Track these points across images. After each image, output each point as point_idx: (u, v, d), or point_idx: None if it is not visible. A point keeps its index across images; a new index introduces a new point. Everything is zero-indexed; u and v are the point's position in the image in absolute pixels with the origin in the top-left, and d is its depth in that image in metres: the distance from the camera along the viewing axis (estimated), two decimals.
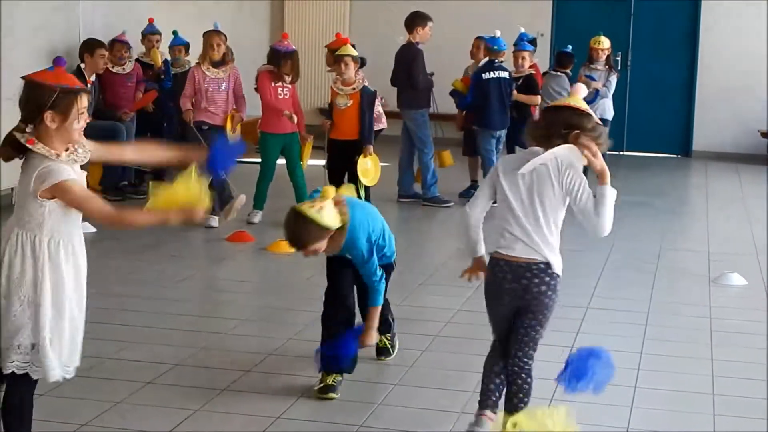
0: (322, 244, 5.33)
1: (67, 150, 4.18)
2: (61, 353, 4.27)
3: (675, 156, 16.06)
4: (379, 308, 5.60)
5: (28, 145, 4.12)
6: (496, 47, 11.19)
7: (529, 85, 11.61)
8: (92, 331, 6.44)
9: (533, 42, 12.46)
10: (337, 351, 5.51)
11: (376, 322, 5.59)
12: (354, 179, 9.95)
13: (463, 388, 5.65)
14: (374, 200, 10.73)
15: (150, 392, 5.48)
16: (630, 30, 16.23)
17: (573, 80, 12.21)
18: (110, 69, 11.46)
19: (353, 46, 10.58)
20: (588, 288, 7.82)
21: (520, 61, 11.68)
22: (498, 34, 11.39)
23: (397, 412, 5.36)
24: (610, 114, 12.24)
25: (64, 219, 4.23)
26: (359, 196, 10.01)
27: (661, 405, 5.52)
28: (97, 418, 5.10)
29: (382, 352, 6.11)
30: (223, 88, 9.99)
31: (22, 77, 4.24)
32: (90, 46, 11.01)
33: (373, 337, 5.61)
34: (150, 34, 12.09)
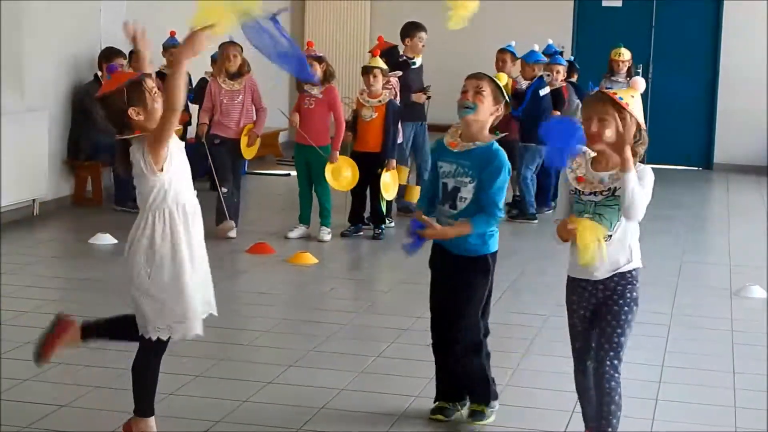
0: (488, 103, 5.15)
1: None
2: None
3: (696, 169, 16.02)
4: (468, 228, 5.09)
5: (136, 135, 4.52)
6: (538, 60, 11.20)
7: (558, 98, 11.60)
8: (114, 343, 6.49)
9: (561, 55, 12.46)
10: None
11: (454, 231, 5.14)
12: (375, 193, 9.95)
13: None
14: (396, 215, 10.76)
15: (171, 403, 5.50)
16: (651, 41, 16.22)
17: (582, 91, 12.23)
18: None
19: (395, 48, 10.58)
20: None
21: (554, 74, 11.64)
22: (514, 44, 11.39)
23: (417, 423, 5.37)
24: None
25: (179, 185, 4.64)
26: (382, 211, 10.08)
27: (683, 418, 5.51)
28: (118, 429, 5.11)
29: (475, 414, 5.42)
30: (238, 100, 9.83)
31: (96, 97, 4.68)
32: (108, 54, 11.04)
33: (439, 235, 5.17)
34: (172, 47, 12.12)
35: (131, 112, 4.50)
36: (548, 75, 11.59)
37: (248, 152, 9.95)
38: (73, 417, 5.27)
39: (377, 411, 5.52)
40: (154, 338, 4.78)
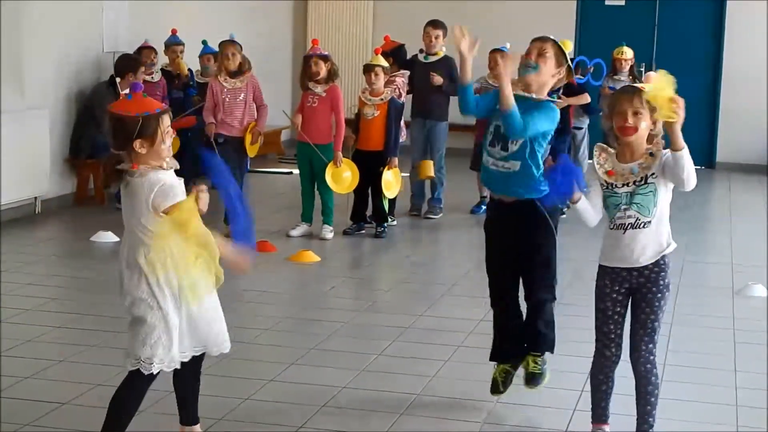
0: (551, 65, 5.31)
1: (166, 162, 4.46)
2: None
3: (698, 167, 15.95)
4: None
5: (133, 169, 4.38)
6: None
7: (571, 90, 11.59)
8: (116, 341, 6.50)
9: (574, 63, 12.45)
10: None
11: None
12: (377, 192, 9.95)
13: (485, 399, 5.65)
14: (398, 213, 10.76)
15: (172, 402, 5.49)
16: (654, 41, 16.21)
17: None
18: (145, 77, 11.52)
19: (402, 46, 10.60)
20: None
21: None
22: (509, 46, 11.37)
23: (419, 421, 5.37)
24: None
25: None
26: (384, 210, 10.08)
27: (685, 416, 5.50)
28: None
29: (532, 378, 5.56)
30: (240, 98, 9.82)
31: (107, 111, 4.50)
32: (134, 65, 10.91)
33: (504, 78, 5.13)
34: (174, 44, 12.14)
35: (137, 143, 4.38)
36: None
37: (252, 150, 9.94)
38: (73, 415, 5.27)
39: (378, 409, 5.52)
40: (146, 372, 4.62)
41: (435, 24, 11.06)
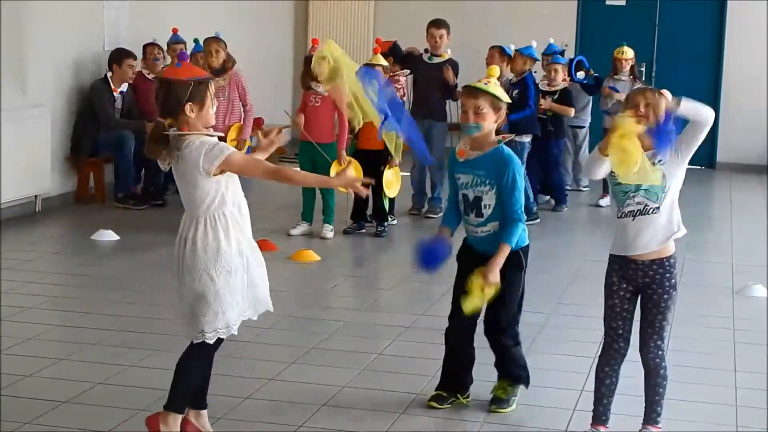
0: (490, 117, 5.32)
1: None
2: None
3: (699, 167, 16.01)
4: (509, 248, 5.28)
5: (182, 132, 4.58)
6: (531, 55, 11.22)
7: (565, 98, 11.63)
8: (117, 339, 6.51)
9: (562, 54, 12.44)
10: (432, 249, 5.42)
11: (502, 259, 5.27)
12: (378, 191, 9.94)
13: (485, 398, 5.65)
14: (398, 212, 10.76)
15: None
16: (654, 40, 16.21)
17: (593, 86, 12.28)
18: (146, 76, 11.53)
19: (395, 44, 10.58)
20: None
21: (552, 74, 11.69)
22: (513, 47, 11.38)
23: (420, 421, 5.38)
24: None
25: (234, 185, 4.70)
26: (384, 209, 10.09)
27: (685, 416, 5.51)
28: (120, 425, 5.13)
29: (498, 401, 5.58)
30: (222, 97, 9.74)
31: (156, 77, 4.57)
32: (118, 56, 11.06)
33: (496, 275, 5.23)
34: (174, 43, 12.15)
35: (187, 106, 4.59)
36: (543, 76, 11.61)
37: None
38: (73, 414, 5.27)
39: (379, 408, 5.52)
40: (212, 341, 4.74)
41: (438, 24, 11.05)
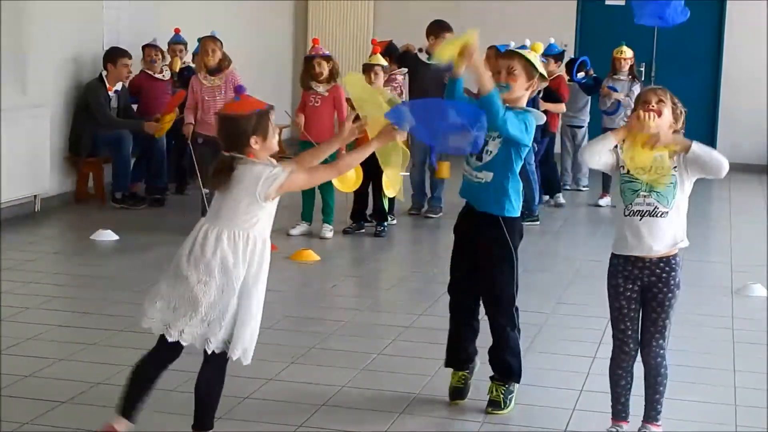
0: (521, 81, 5.38)
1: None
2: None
3: None
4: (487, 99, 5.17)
5: (250, 158, 4.69)
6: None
7: (549, 94, 11.60)
8: (116, 339, 6.51)
9: (561, 55, 12.42)
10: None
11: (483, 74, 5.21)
12: (378, 190, 9.95)
13: (485, 397, 5.65)
14: (397, 212, 10.76)
15: (171, 400, 5.50)
16: (654, 40, 16.21)
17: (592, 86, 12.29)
18: (150, 74, 11.52)
19: (391, 42, 10.55)
20: None
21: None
22: (512, 45, 11.34)
23: (420, 420, 5.38)
24: None
25: (270, 219, 4.92)
26: (384, 208, 10.09)
27: (684, 416, 5.51)
28: None
29: (492, 404, 5.54)
30: (219, 96, 9.69)
31: (216, 113, 4.98)
32: (113, 56, 11.06)
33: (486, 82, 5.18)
34: (174, 43, 12.16)
35: (252, 139, 4.68)
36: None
37: None
38: (72, 414, 5.27)
39: (378, 408, 5.52)
40: (235, 358, 4.77)
41: (449, 28, 11.07)
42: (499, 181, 5.36)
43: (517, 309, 5.55)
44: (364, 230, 10.15)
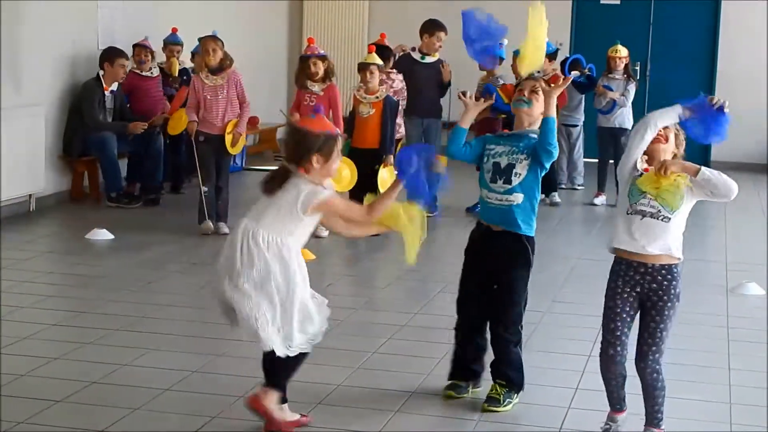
0: (540, 103, 5.54)
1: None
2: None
3: None
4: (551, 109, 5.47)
5: (300, 173, 4.87)
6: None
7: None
8: (111, 338, 6.51)
9: (555, 53, 12.42)
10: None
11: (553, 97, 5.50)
12: (373, 190, 9.94)
13: (480, 396, 5.66)
14: None
15: (168, 399, 5.51)
16: (649, 39, 16.22)
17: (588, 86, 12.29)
18: (139, 73, 11.52)
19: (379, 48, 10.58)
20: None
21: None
22: (506, 43, 11.34)
23: (415, 419, 5.38)
24: (629, 123, 12.20)
25: (305, 233, 5.01)
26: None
27: (679, 414, 5.51)
28: (114, 424, 5.13)
29: (491, 400, 5.58)
30: (221, 95, 9.73)
31: (289, 123, 5.19)
32: (110, 55, 11.05)
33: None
34: (171, 44, 12.13)
35: (314, 157, 4.85)
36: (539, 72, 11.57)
37: (233, 148, 9.89)
38: (68, 412, 5.27)
39: (374, 406, 5.53)
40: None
41: (444, 28, 11.10)
42: (528, 201, 5.52)
43: (522, 326, 5.65)
44: None
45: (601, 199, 12.20)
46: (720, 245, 10.19)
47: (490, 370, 5.67)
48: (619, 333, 5.03)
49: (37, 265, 8.46)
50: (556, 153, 5.49)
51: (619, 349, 5.04)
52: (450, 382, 5.72)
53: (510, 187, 5.50)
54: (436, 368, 6.16)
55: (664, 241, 4.92)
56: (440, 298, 7.84)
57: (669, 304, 4.96)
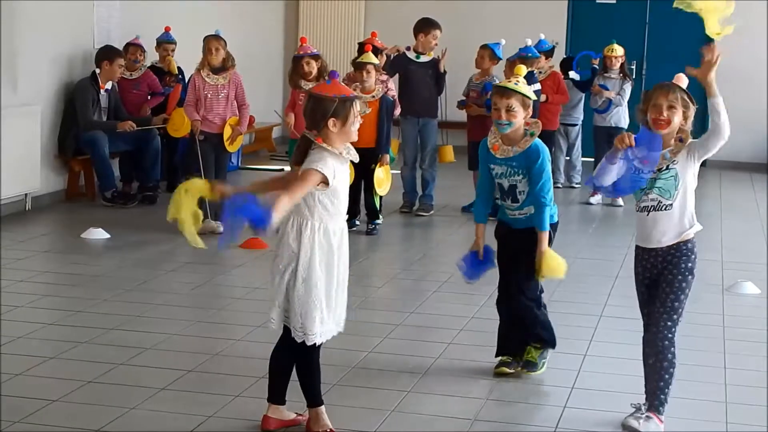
0: (520, 114, 5.76)
1: (345, 149, 4.91)
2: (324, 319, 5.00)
3: None
4: (546, 234, 5.83)
5: (316, 141, 4.87)
6: (529, 54, 11.04)
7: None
8: (106, 338, 6.51)
9: (551, 51, 12.43)
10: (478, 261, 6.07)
11: (544, 246, 5.82)
12: (369, 188, 9.95)
13: (476, 395, 5.66)
14: (386, 210, 10.77)
15: (163, 398, 5.51)
16: (645, 38, 16.23)
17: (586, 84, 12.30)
18: (124, 76, 11.52)
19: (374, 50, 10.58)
20: (601, 296, 7.83)
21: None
22: (503, 42, 11.34)
23: (410, 419, 5.38)
24: (625, 122, 12.22)
25: (328, 208, 4.88)
26: (376, 206, 10.10)
27: (675, 413, 5.50)
28: (110, 423, 5.12)
29: (528, 365, 6.06)
30: (222, 95, 9.74)
31: (307, 90, 5.12)
32: (109, 54, 11.04)
33: (544, 255, 5.80)
34: (165, 42, 12.13)
35: (330, 121, 4.86)
36: (539, 71, 11.60)
37: (231, 147, 9.88)
38: (63, 412, 5.27)
39: (370, 406, 5.53)
40: (299, 341, 5.04)
41: (439, 26, 11.10)
42: (539, 208, 5.85)
43: (542, 290, 6.13)
44: (355, 228, 10.15)
45: (596, 198, 12.20)
46: (715, 244, 10.19)
47: (523, 338, 6.07)
48: (649, 319, 5.26)
49: (33, 265, 8.45)
50: (549, 201, 5.88)
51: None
52: (500, 360, 6.07)
53: (518, 204, 5.90)
54: (432, 367, 6.17)
55: (676, 229, 5.17)
56: (435, 298, 7.84)
57: (680, 277, 5.16)
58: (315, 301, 4.93)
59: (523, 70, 5.95)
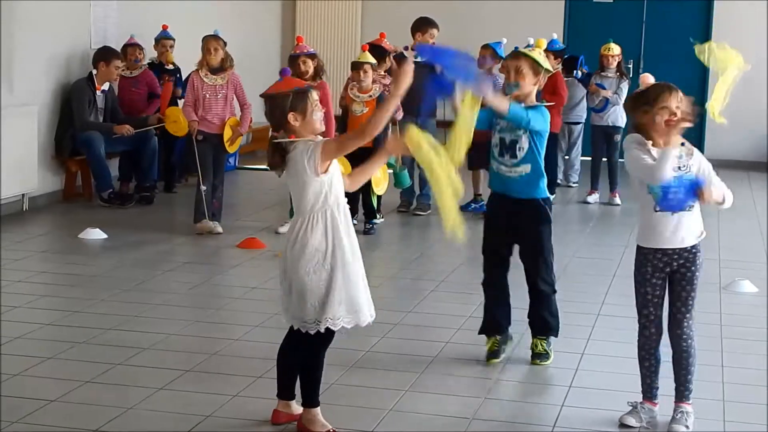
0: (529, 78, 5.99)
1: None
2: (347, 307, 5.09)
3: None
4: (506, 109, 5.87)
5: (290, 139, 4.92)
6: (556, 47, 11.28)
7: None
8: (104, 338, 6.51)
9: (562, 51, 12.39)
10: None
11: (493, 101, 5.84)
12: (366, 188, 9.94)
13: (474, 394, 5.67)
14: (384, 210, 10.77)
15: (161, 398, 5.51)
16: (642, 38, 16.24)
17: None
18: (125, 75, 11.52)
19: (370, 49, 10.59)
20: (598, 295, 7.82)
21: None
22: (505, 41, 11.34)
23: (408, 418, 5.38)
24: (622, 122, 12.22)
25: (333, 189, 4.96)
26: (373, 206, 10.09)
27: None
28: (108, 423, 5.12)
29: (539, 356, 6.25)
30: (221, 95, 9.74)
31: (261, 95, 5.22)
32: (106, 55, 11.03)
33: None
34: (164, 38, 12.14)
35: (290, 116, 4.90)
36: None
37: (231, 147, 9.88)
38: (61, 412, 5.27)
39: (368, 405, 5.53)
40: (313, 332, 5.03)
41: (436, 25, 11.10)
42: (535, 170, 6.04)
43: (554, 275, 6.35)
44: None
45: (594, 197, 12.21)
46: (712, 243, 10.18)
47: (528, 322, 6.32)
48: (653, 317, 5.34)
49: (31, 265, 8.45)
50: (527, 123, 5.93)
51: (653, 329, 5.35)
52: (487, 351, 6.23)
53: (517, 160, 6.04)
54: (430, 367, 6.17)
55: (698, 228, 5.31)
56: (433, 297, 7.84)
57: (697, 273, 5.30)
58: (347, 283, 5.04)
59: (543, 43, 6.14)
